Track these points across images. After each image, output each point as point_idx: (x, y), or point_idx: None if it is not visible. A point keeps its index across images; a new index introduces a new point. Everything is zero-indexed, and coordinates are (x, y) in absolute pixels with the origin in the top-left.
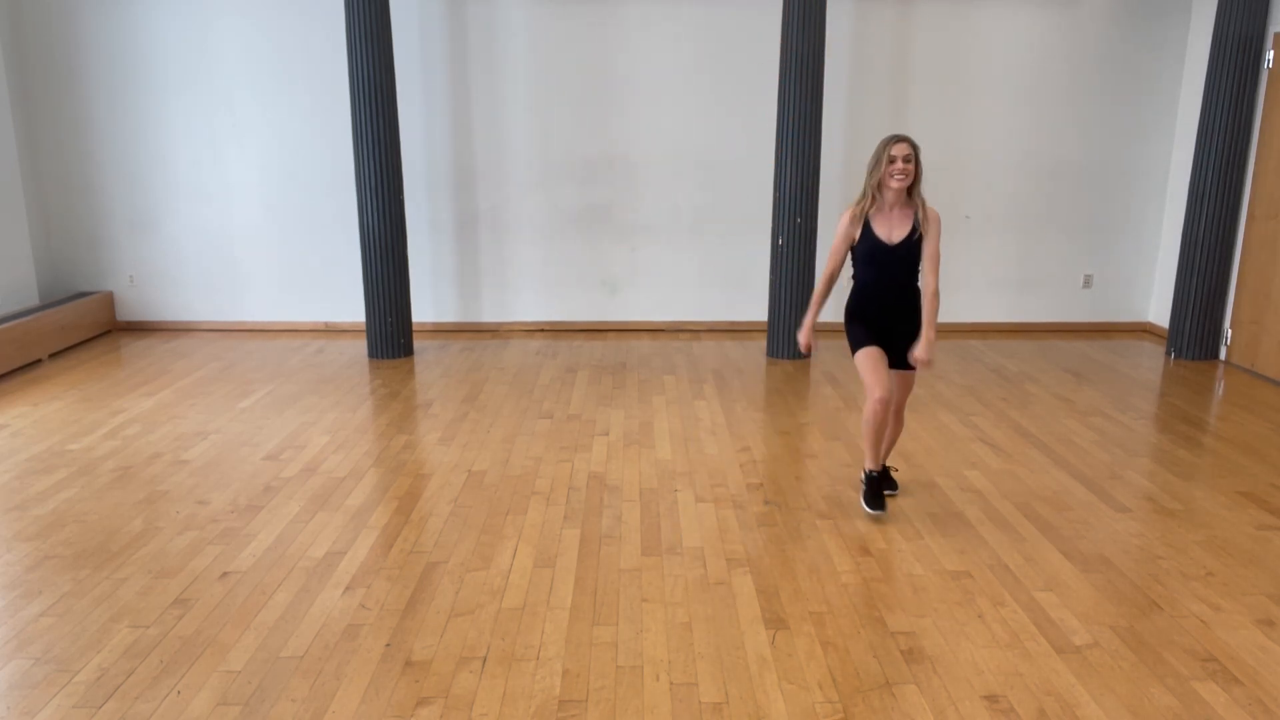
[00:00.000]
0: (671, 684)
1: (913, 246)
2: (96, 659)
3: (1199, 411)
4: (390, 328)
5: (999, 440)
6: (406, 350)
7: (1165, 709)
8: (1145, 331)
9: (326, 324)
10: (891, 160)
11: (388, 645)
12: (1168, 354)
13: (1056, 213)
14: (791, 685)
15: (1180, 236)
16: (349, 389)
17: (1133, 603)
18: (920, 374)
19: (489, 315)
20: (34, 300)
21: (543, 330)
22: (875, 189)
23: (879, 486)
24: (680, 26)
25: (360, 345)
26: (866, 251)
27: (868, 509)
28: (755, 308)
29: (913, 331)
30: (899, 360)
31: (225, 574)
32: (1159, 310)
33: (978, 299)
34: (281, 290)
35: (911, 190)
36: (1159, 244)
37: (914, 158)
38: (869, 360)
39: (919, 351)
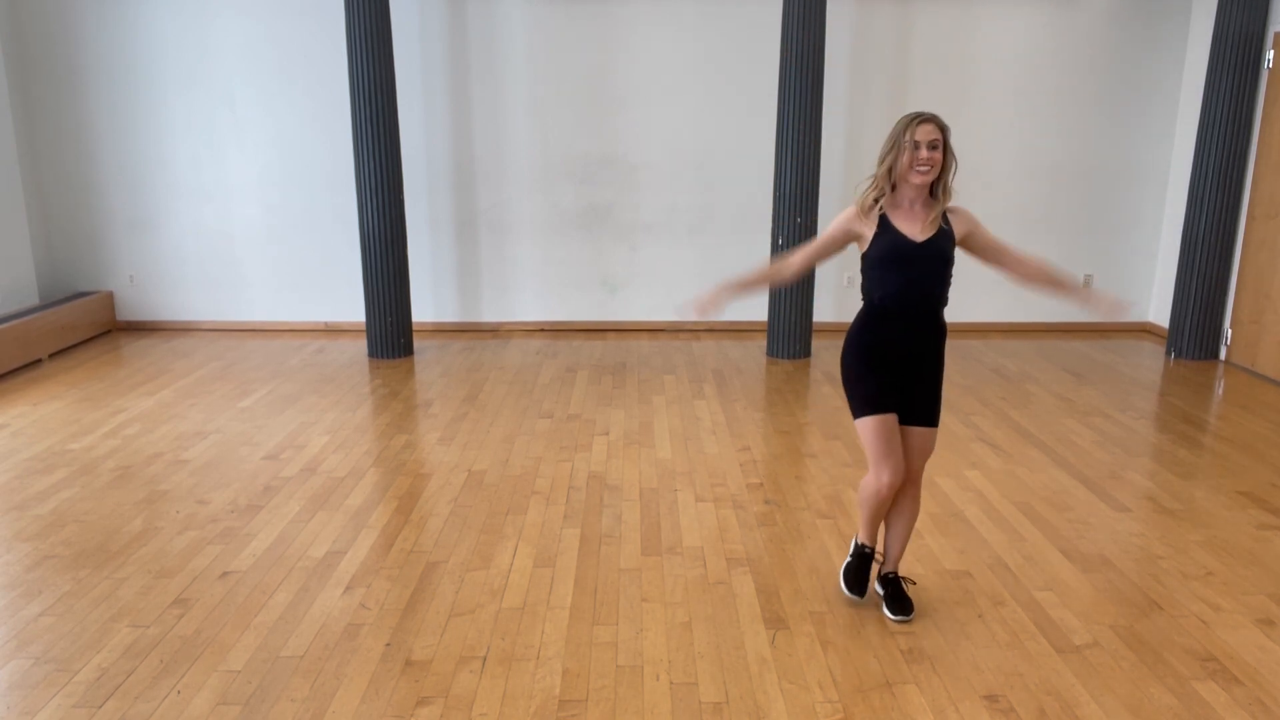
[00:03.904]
0: (671, 684)
1: (948, 247)
2: (96, 659)
3: (1199, 411)
4: (390, 327)
5: (999, 440)
6: (406, 350)
7: (1165, 709)
8: (1145, 331)
9: (326, 324)
10: (915, 146)
11: (388, 645)
12: (1168, 354)
13: (1056, 213)
14: (791, 685)
15: (1180, 236)
16: (349, 389)
17: (1133, 603)
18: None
19: (489, 315)
20: (34, 300)
21: (543, 330)
22: (886, 179)
23: (867, 564)
24: (680, 26)
25: (360, 345)
26: (887, 252)
27: (845, 590)
28: (755, 308)
29: (936, 376)
30: (919, 415)
31: (225, 574)
32: (1159, 310)
33: (978, 299)
34: (281, 290)
35: (935, 185)
36: (1159, 244)
37: (942, 143)
38: (879, 433)
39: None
